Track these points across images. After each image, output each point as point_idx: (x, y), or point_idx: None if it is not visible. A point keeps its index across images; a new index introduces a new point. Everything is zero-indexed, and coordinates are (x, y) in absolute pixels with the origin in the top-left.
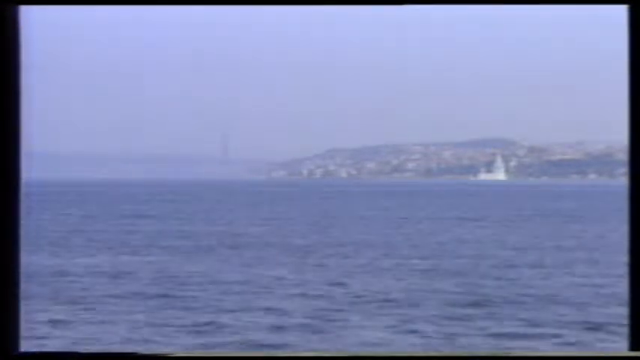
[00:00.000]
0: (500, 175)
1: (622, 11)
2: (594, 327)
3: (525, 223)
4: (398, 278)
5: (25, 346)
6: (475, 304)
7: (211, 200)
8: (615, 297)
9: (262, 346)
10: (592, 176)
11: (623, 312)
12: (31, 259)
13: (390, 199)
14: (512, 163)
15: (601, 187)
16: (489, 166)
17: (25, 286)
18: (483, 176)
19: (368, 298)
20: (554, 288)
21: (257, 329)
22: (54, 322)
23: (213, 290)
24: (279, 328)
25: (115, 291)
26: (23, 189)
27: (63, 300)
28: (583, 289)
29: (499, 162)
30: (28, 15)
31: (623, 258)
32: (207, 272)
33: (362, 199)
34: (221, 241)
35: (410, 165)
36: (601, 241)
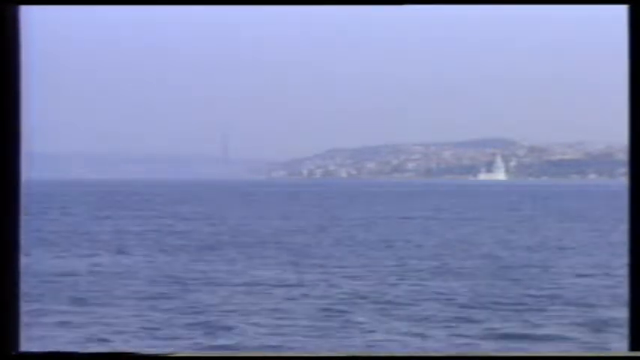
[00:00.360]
0: (500, 175)
1: (622, 11)
2: (600, 328)
3: (526, 223)
4: (400, 279)
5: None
6: (477, 305)
7: (211, 200)
8: (621, 297)
9: (263, 347)
10: (592, 176)
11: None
12: (30, 259)
13: (390, 199)
14: (512, 163)
15: (602, 187)
16: (489, 166)
17: (25, 287)
18: (483, 176)
19: (370, 298)
20: (558, 288)
21: (259, 330)
22: (58, 323)
23: (213, 291)
24: (280, 330)
25: (117, 291)
26: (23, 189)
27: (65, 300)
28: (588, 289)
29: (499, 162)
30: (28, 15)
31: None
32: (207, 272)
33: (362, 199)
34: (221, 240)
35: (410, 165)
36: (603, 241)
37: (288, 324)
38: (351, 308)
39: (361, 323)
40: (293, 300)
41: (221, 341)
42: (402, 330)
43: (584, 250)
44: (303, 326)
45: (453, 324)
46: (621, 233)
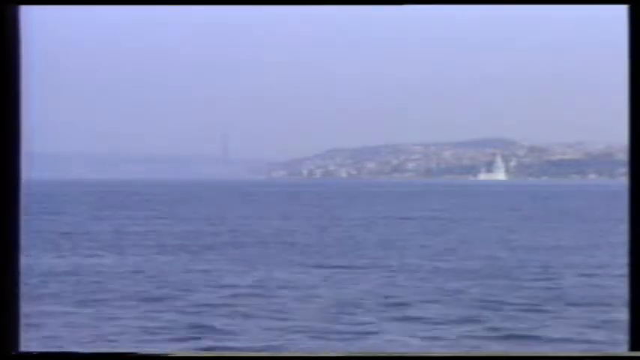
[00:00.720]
0: (500, 175)
1: (622, 11)
2: (604, 327)
3: (527, 223)
4: (405, 279)
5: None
6: (480, 305)
7: (211, 200)
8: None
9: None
10: (592, 176)
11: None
12: (30, 259)
13: (390, 199)
14: (512, 163)
15: (602, 186)
16: (489, 166)
17: (24, 287)
18: (483, 176)
19: (374, 299)
20: (560, 288)
21: (261, 332)
22: (58, 323)
23: (212, 291)
24: (283, 331)
25: (116, 292)
26: (23, 189)
27: (62, 300)
28: (592, 288)
29: (499, 162)
30: (28, 15)
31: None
32: (207, 273)
33: (362, 199)
34: (221, 241)
35: (410, 165)
36: (604, 240)
37: (290, 325)
38: (354, 309)
39: (364, 324)
40: (295, 301)
41: (222, 342)
42: (406, 330)
43: (586, 249)
44: (306, 327)
45: (457, 325)
46: (622, 233)
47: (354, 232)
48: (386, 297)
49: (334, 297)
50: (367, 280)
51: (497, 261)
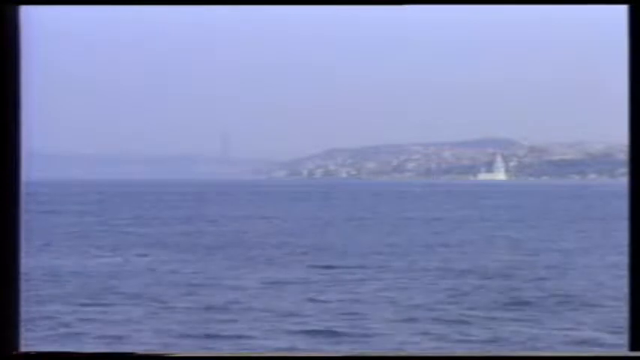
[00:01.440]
0: (500, 175)
1: (622, 11)
2: (616, 330)
3: (528, 223)
4: (409, 280)
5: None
6: (485, 306)
7: (212, 200)
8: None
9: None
10: (592, 176)
11: None
12: (31, 259)
13: (390, 198)
14: (512, 163)
15: (603, 186)
16: (489, 166)
17: (26, 286)
18: (483, 176)
19: (377, 300)
20: (565, 288)
21: (265, 334)
22: (58, 323)
23: (214, 292)
24: (290, 333)
25: (117, 292)
26: (23, 189)
27: (63, 300)
28: (597, 288)
29: (499, 162)
30: (28, 15)
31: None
32: (208, 273)
33: (363, 199)
34: (222, 241)
35: (410, 165)
36: (607, 240)
37: (295, 329)
38: (360, 309)
39: (370, 325)
40: (299, 302)
41: (224, 344)
42: (413, 332)
43: (589, 249)
44: (310, 328)
45: (460, 325)
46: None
47: (356, 232)
48: (391, 298)
49: (338, 298)
50: (370, 280)
51: (497, 261)
